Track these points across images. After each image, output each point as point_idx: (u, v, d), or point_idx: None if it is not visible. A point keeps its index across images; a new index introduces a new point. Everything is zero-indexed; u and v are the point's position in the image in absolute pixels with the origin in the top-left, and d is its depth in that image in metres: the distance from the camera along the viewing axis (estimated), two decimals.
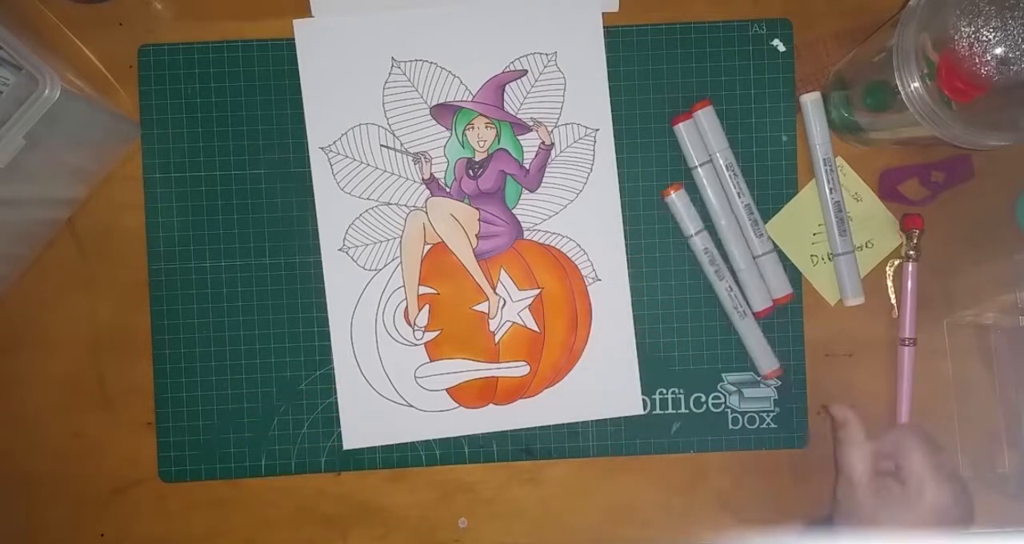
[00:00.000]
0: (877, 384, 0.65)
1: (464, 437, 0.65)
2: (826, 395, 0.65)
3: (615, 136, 0.64)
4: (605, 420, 0.65)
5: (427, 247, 0.64)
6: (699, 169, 0.63)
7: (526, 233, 0.64)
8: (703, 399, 0.65)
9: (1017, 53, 0.50)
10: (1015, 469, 0.64)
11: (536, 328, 0.64)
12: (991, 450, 0.64)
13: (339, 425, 0.64)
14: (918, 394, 0.64)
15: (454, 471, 0.65)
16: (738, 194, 0.63)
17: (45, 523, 0.64)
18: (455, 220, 0.64)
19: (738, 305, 0.63)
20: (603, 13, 0.64)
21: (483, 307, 0.64)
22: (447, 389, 0.64)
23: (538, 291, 0.64)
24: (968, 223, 0.65)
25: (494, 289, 0.64)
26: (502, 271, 0.64)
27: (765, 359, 0.64)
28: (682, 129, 0.63)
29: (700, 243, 0.63)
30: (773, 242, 0.64)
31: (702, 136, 0.63)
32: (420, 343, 0.64)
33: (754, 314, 0.64)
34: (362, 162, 0.64)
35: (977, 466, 0.64)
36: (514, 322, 0.64)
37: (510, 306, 0.64)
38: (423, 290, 0.64)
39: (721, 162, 0.63)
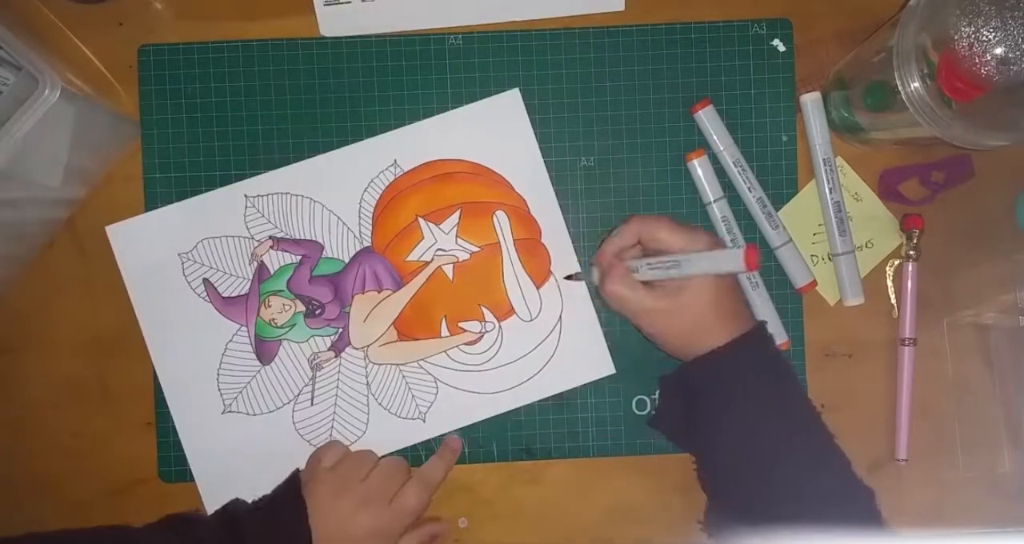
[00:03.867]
0: (877, 384, 0.65)
1: (464, 437, 0.65)
2: (826, 395, 0.65)
3: (614, 136, 0.65)
4: (605, 420, 0.65)
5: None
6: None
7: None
8: None
9: (1017, 53, 0.50)
10: (1015, 469, 0.64)
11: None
12: (991, 450, 0.65)
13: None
14: (918, 394, 0.64)
15: (454, 471, 0.65)
16: (749, 189, 0.63)
17: (45, 523, 0.63)
18: (376, 308, 0.64)
19: (751, 275, 0.63)
20: (606, 13, 0.64)
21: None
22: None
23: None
24: (968, 223, 0.65)
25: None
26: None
27: (774, 332, 0.63)
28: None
29: (718, 211, 0.63)
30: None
31: (706, 136, 0.64)
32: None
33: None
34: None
35: (977, 466, 0.64)
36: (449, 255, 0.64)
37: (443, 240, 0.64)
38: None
39: (728, 159, 0.63)
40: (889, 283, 0.65)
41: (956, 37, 0.51)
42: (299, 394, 0.64)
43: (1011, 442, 0.64)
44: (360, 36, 0.64)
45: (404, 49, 0.64)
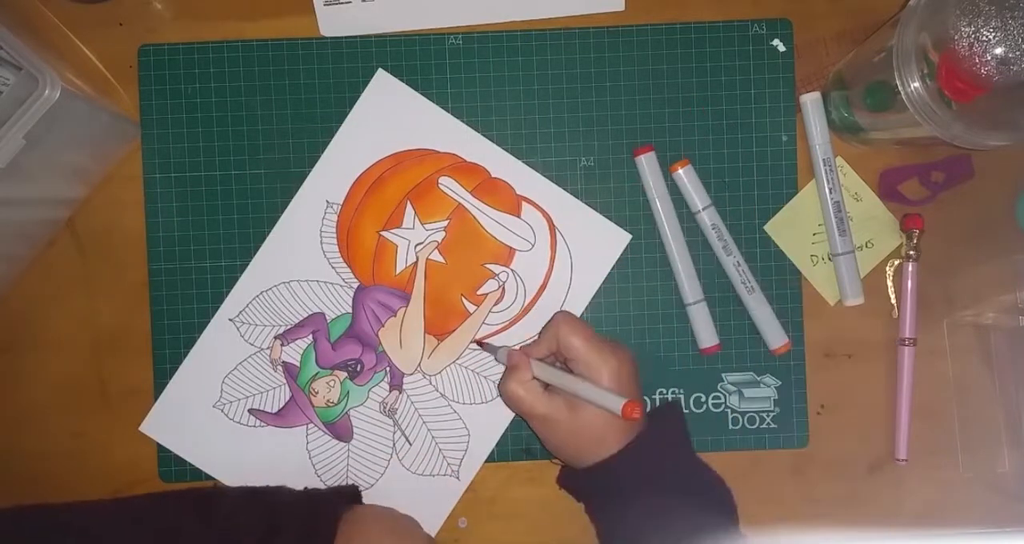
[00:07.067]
0: (877, 384, 0.65)
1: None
2: (826, 395, 0.65)
3: (614, 136, 0.65)
4: None
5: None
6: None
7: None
8: (703, 399, 0.65)
9: (1017, 53, 0.50)
10: (1015, 469, 0.64)
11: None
12: (991, 450, 0.65)
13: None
14: (918, 394, 0.64)
15: None
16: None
17: None
18: (402, 330, 0.64)
19: (746, 280, 0.63)
20: (606, 13, 0.64)
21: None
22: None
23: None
24: (968, 223, 0.65)
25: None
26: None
27: (774, 334, 0.64)
28: (643, 161, 0.63)
29: (708, 219, 0.63)
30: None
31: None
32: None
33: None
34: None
35: (977, 466, 0.64)
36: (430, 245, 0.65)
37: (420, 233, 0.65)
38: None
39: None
40: (889, 283, 0.65)
41: (956, 37, 0.51)
42: (395, 442, 0.64)
43: (1011, 442, 0.64)
44: (360, 36, 0.64)
45: (404, 49, 0.64)
